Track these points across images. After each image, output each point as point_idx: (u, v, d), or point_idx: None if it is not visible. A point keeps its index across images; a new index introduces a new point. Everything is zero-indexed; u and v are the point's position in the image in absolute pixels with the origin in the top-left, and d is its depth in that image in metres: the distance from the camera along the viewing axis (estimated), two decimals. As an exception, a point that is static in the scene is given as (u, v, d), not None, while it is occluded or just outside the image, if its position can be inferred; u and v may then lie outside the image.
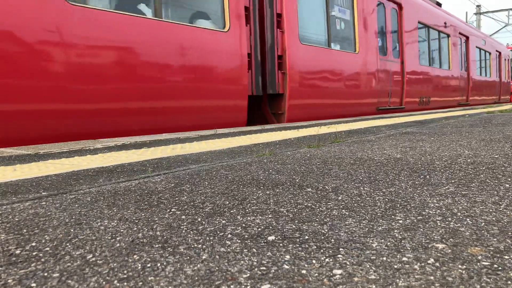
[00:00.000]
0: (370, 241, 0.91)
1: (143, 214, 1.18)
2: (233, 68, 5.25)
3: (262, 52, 5.96)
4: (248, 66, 5.55)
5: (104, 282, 0.74)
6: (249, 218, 1.11)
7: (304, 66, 6.43)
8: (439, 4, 13.50)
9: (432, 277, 0.72)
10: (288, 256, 0.84)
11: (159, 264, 0.82)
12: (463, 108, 11.04)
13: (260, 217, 1.12)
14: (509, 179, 1.51)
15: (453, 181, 1.51)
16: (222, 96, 5.11)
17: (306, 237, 0.95)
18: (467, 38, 14.41)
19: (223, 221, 1.09)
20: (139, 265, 0.82)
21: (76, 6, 3.68)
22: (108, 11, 3.94)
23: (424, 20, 10.86)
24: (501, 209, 1.13)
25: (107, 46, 3.92)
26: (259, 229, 1.02)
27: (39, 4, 3.43)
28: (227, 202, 1.29)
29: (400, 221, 1.05)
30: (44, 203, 1.35)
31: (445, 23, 12.30)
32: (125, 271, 0.79)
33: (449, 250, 0.85)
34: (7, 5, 3.25)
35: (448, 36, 12.64)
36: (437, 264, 0.78)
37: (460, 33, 13.67)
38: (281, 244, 0.91)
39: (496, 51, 18.60)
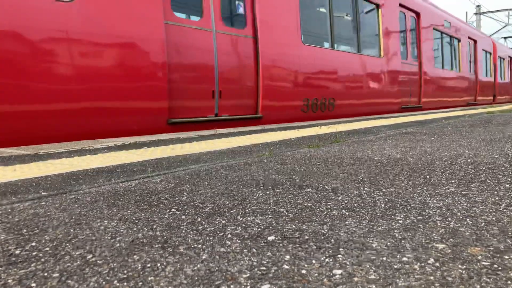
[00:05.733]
0: (370, 241, 0.91)
1: (143, 214, 1.18)
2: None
3: None
4: None
5: (104, 282, 0.74)
6: (249, 218, 1.11)
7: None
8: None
9: (432, 277, 0.72)
10: (288, 256, 0.84)
11: (159, 264, 0.82)
12: (463, 108, 11.09)
13: (260, 217, 1.12)
14: (509, 179, 1.51)
15: (453, 181, 1.51)
16: None
17: (306, 237, 0.95)
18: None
19: (223, 221, 1.09)
20: (139, 265, 0.82)
21: None
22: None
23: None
24: (501, 209, 1.13)
25: None
26: (259, 229, 1.02)
27: None
28: (227, 202, 1.29)
29: (400, 221, 1.05)
30: (44, 203, 1.35)
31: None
32: (125, 271, 0.79)
33: (449, 250, 0.84)
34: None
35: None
36: (437, 264, 0.78)
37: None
38: (281, 244, 0.91)
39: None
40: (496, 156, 2.07)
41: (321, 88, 6.86)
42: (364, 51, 8.39)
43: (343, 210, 1.16)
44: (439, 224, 1.02)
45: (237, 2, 5.65)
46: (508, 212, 1.10)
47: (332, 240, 0.92)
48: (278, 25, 6.03)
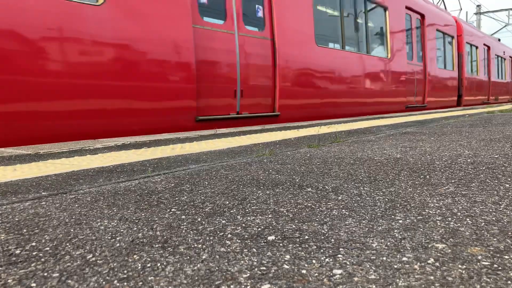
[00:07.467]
0: (370, 241, 0.91)
1: (143, 214, 1.18)
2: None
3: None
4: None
5: (104, 282, 0.74)
6: (249, 218, 1.11)
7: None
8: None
9: (432, 277, 0.72)
10: (288, 256, 0.84)
11: (159, 264, 0.82)
12: (463, 108, 11.09)
13: (260, 217, 1.12)
14: (509, 179, 1.51)
15: (453, 181, 1.51)
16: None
17: (306, 237, 0.95)
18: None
19: (223, 221, 1.09)
20: (139, 265, 0.82)
21: None
22: None
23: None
24: (501, 209, 1.13)
25: None
26: (259, 229, 1.02)
27: None
28: (227, 202, 1.29)
29: (400, 221, 1.05)
30: (44, 203, 1.35)
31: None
32: (125, 271, 0.79)
33: (449, 250, 0.85)
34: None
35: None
36: (437, 264, 0.78)
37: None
38: (281, 244, 0.91)
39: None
40: (496, 156, 2.07)
41: None
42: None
43: (343, 210, 1.16)
44: (439, 224, 1.02)
45: None
46: (508, 212, 1.10)
47: (332, 240, 0.92)
48: None
